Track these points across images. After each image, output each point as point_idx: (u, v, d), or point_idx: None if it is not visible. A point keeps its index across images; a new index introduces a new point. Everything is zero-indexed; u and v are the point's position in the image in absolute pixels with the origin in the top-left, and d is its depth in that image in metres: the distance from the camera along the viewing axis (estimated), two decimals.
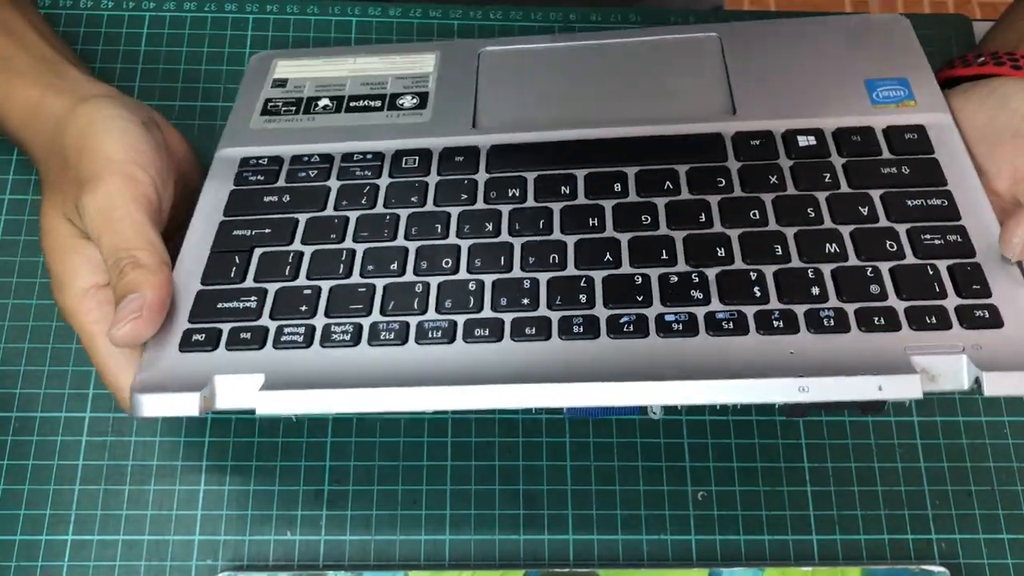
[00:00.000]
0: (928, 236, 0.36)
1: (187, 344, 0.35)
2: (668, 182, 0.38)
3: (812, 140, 0.40)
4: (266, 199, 0.40)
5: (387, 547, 0.41)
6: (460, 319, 0.35)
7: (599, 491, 0.42)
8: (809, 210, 0.37)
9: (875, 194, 0.37)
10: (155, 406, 0.33)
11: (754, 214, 0.37)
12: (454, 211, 0.39)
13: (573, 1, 0.55)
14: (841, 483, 0.43)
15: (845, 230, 0.36)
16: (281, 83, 0.45)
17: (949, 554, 0.42)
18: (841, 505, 0.43)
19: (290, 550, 0.41)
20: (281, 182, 0.41)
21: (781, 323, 0.33)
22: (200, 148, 0.45)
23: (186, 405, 0.32)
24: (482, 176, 0.40)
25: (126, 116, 0.39)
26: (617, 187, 0.39)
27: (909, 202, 0.37)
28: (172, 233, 0.40)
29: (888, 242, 0.35)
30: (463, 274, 0.36)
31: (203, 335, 0.35)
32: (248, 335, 0.35)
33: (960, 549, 0.42)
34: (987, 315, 0.33)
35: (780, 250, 0.36)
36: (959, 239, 0.35)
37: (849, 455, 0.43)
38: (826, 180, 0.38)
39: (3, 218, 0.47)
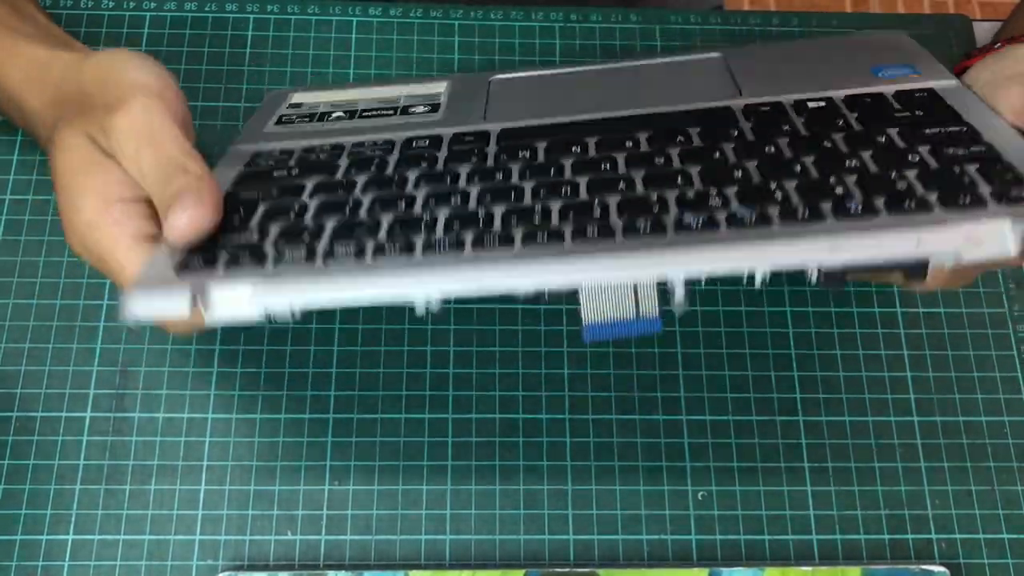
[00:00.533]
0: (952, 149, 0.33)
1: (184, 267, 0.32)
2: (680, 136, 0.37)
3: (822, 103, 0.38)
4: (275, 174, 0.38)
5: (387, 547, 0.41)
6: (468, 234, 0.32)
7: (599, 491, 0.43)
8: (825, 143, 0.35)
9: (891, 131, 0.35)
10: (146, 304, 0.31)
11: (769, 149, 0.35)
12: (464, 169, 0.37)
13: (573, 1, 0.55)
14: (841, 483, 0.43)
15: (864, 153, 0.34)
16: (296, 105, 0.46)
17: (949, 554, 0.42)
18: (841, 505, 0.43)
19: (291, 550, 0.41)
20: (292, 163, 0.39)
21: (807, 213, 0.31)
22: (200, 148, 0.45)
23: (176, 303, 0.31)
24: (492, 148, 0.38)
25: (145, 56, 0.39)
26: (628, 144, 0.37)
27: (927, 130, 0.34)
28: None
29: (910, 155, 0.33)
30: (472, 205, 0.34)
31: (201, 258, 0.33)
32: (247, 254, 0.33)
33: (960, 549, 0.42)
34: None
35: (799, 168, 0.33)
36: (984, 150, 0.33)
37: (849, 455, 0.43)
38: (839, 124, 0.36)
39: (4, 218, 0.47)
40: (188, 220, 0.33)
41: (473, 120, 0.42)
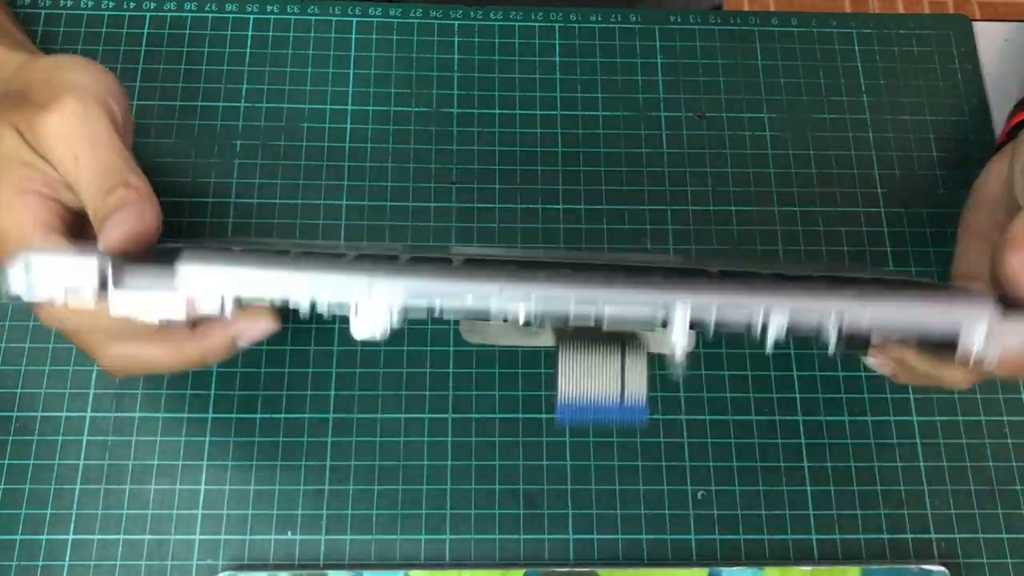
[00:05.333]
0: None
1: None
2: None
3: None
4: None
5: (387, 547, 0.41)
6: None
7: (599, 491, 0.43)
8: None
9: None
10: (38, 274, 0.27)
11: None
12: None
13: (573, 1, 0.55)
14: (841, 483, 0.43)
15: None
16: None
17: (949, 554, 0.42)
18: (841, 505, 0.43)
19: (291, 550, 0.41)
20: None
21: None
22: (200, 148, 0.45)
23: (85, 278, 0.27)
24: None
25: (90, 60, 0.37)
26: None
27: None
28: None
29: None
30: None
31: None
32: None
33: (960, 549, 0.42)
34: None
35: None
36: None
37: (849, 455, 0.43)
38: None
39: None
40: (127, 234, 0.32)
41: None
